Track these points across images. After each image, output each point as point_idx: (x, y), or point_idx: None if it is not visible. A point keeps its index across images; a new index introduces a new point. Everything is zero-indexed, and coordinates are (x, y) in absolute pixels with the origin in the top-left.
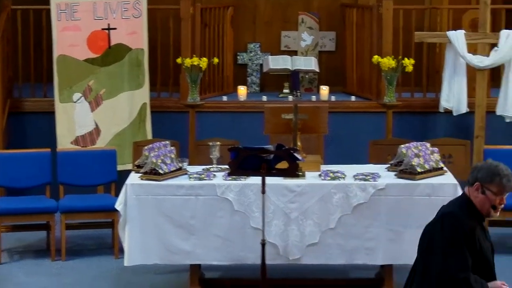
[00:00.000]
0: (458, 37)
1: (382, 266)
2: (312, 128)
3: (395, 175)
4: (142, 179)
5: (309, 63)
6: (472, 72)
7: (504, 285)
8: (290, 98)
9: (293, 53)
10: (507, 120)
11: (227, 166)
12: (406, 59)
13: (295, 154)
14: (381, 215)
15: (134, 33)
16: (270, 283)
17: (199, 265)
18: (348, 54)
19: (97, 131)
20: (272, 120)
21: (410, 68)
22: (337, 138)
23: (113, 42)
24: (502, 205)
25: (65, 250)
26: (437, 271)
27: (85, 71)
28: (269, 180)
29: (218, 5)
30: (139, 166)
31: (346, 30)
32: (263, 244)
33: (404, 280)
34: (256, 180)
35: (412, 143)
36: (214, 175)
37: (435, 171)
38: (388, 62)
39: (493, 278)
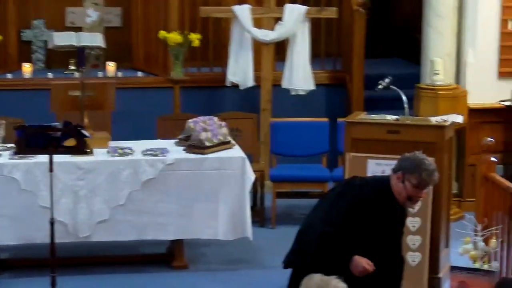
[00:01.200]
0: (243, 12)
1: (173, 241)
2: (99, 104)
3: (184, 149)
4: None
5: (95, 39)
6: (258, 46)
7: (368, 264)
8: (77, 74)
9: (78, 29)
10: (293, 93)
11: (13, 145)
12: (192, 34)
13: (83, 131)
14: (171, 190)
15: None
16: (60, 262)
17: None
18: (134, 30)
19: None
20: (59, 97)
21: (196, 43)
22: (125, 114)
23: None
24: (419, 199)
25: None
26: (309, 221)
27: None
28: (57, 157)
29: None
30: None
31: (132, 6)
32: (52, 223)
33: (195, 253)
34: (44, 158)
35: (200, 117)
36: (0, 154)
37: (224, 144)
38: (174, 37)
39: (396, 260)
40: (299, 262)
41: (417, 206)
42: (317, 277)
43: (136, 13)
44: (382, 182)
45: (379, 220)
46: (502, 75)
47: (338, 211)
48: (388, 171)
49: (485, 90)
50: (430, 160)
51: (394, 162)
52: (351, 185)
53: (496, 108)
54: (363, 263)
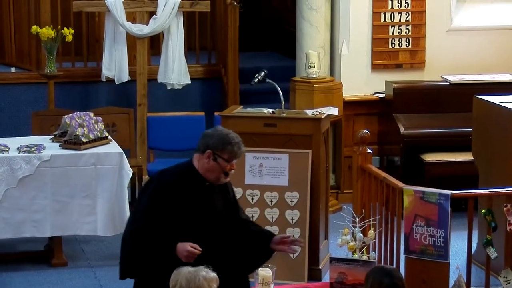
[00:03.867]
0: (116, 6)
1: (51, 238)
2: None
3: (60, 145)
4: None
5: None
6: (132, 40)
7: (192, 246)
8: None
9: None
10: (169, 87)
11: None
12: (65, 28)
13: None
14: (48, 187)
15: None
16: None
17: None
18: (5, 24)
19: None
20: None
21: (70, 38)
22: None
23: None
24: (232, 171)
25: None
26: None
27: None
28: None
29: None
30: None
31: (2, 0)
32: None
33: (74, 250)
34: None
35: (75, 113)
36: None
37: (100, 140)
38: (47, 32)
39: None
40: (130, 269)
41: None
42: (184, 270)
43: (7, 7)
44: (182, 166)
45: (188, 201)
46: (375, 67)
47: (142, 206)
48: (266, 164)
49: (359, 82)
50: (233, 132)
51: (272, 155)
52: (151, 179)
53: (371, 100)
54: (186, 247)
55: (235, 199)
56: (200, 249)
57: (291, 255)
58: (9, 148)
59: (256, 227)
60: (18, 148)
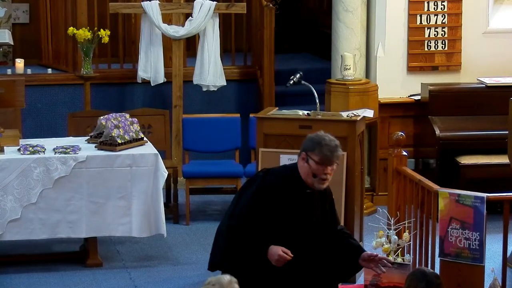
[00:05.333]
0: (152, 8)
1: (86, 239)
2: (9, 102)
3: (96, 147)
4: None
5: (3, 36)
6: (168, 42)
7: (283, 251)
8: None
9: None
10: (204, 89)
11: None
12: (102, 30)
13: None
14: (83, 188)
15: None
16: None
17: None
18: (43, 26)
19: None
20: None
21: (106, 39)
22: (35, 112)
23: None
24: (327, 177)
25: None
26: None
27: None
28: None
29: None
30: None
31: (40, 2)
32: None
33: (110, 251)
34: None
35: (111, 114)
36: None
37: (136, 141)
38: (83, 33)
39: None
40: (220, 262)
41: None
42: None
43: (44, 9)
44: (288, 168)
45: (288, 206)
46: (411, 69)
47: (243, 203)
48: None
49: (394, 84)
50: (331, 137)
51: None
52: (256, 176)
53: (406, 102)
54: (278, 251)
55: (333, 209)
56: (292, 255)
57: None
58: (45, 149)
59: (347, 241)
60: (54, 149)
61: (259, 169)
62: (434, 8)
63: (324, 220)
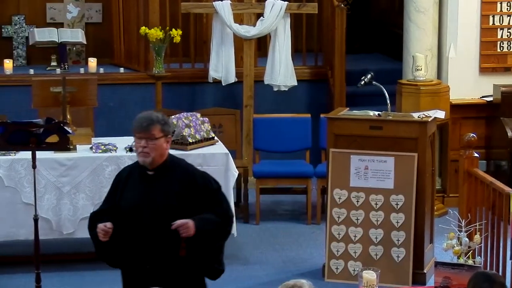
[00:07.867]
0: (224, 8)
1: None
2: (81, 100)
3: None
4: None
5: (76, 35)
6: (239, 41)
7: (106, 226)
8: (58, 71)
9: (59, 25)
10: (275, 89)
11: None
12: (173, 29)
13: (65, 127)
14: None
15: None
16: (43, 258)
17: None
18: (115, 25)
19: None
20: (40, 93)
21: (178, 39)
22: (107, 110)
23: None
24: (142, 149)
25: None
26: None
27: None
28: (40, 154)
29: None
30: None
31: (112, 1)
32: (36, 220)
33: None
34: (26, 154)
35: (182, 113)
36: None
37: (206, 141)
38: (155, 33)
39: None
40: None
41: (148, 159)
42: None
43: (117, 9)
44: None
45: (128, 188)
46: (483, 70)
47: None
48: (371, 167)
49: (466, 85)
50: (151, 111)
51: (377, 158)
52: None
53: (478, 104)
54: (99, 226)
55: (189, 193)
56: (110, 226)
57: (396, 258)
58: (117, 148)
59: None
60: (125, 148)
61: (330, 170)
62: (507, 8)
63: (166, 202)
